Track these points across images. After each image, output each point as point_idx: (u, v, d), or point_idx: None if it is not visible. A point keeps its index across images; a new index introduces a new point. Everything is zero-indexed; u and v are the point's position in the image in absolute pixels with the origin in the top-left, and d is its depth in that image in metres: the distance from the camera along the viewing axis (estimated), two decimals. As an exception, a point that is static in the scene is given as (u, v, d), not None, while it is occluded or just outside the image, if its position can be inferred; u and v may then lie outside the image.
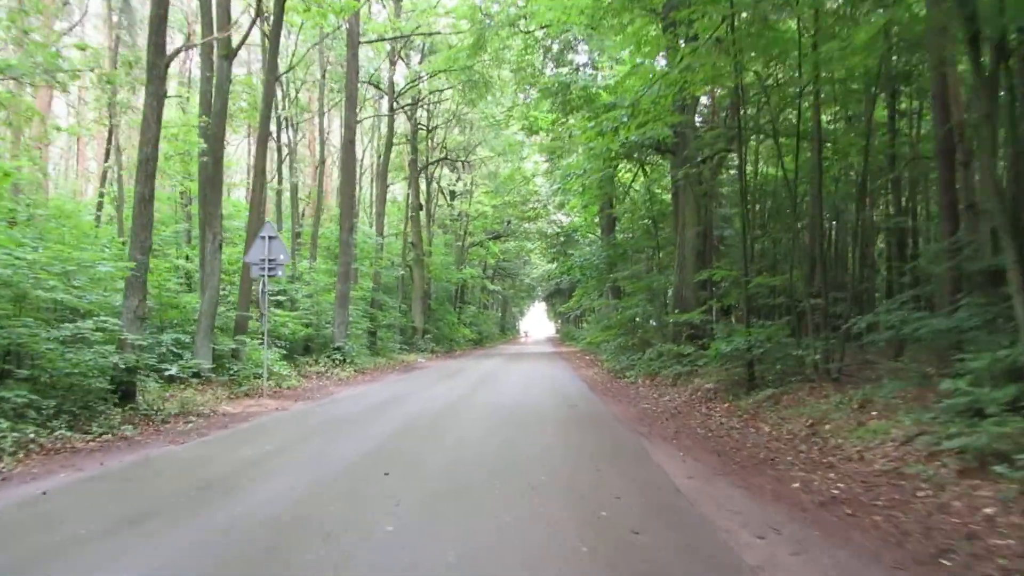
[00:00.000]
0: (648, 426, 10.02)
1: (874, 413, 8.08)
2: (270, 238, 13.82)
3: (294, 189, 29.61)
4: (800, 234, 13.42)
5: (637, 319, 23.43)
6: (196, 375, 13.94)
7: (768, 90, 12.61)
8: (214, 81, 14.73)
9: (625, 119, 11.79)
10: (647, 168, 29.84)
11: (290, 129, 25.61)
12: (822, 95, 12.46)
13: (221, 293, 19.01)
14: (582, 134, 13.21)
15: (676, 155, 19.90)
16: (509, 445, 8.16)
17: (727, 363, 12.72)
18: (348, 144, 22.34)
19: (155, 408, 10.52)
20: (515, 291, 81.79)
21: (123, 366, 10.09)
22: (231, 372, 14.59)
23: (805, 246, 13.24)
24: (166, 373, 12.23)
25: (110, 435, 8.85)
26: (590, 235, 41.71)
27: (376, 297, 28.53)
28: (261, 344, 17.72)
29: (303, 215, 31.19)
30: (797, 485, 5.94)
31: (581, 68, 23.95)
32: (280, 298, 21.36)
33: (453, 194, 48.36)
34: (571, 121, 24.76)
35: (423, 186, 40.49)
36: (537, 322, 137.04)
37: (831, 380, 10.49)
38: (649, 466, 6.96)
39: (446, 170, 49.64)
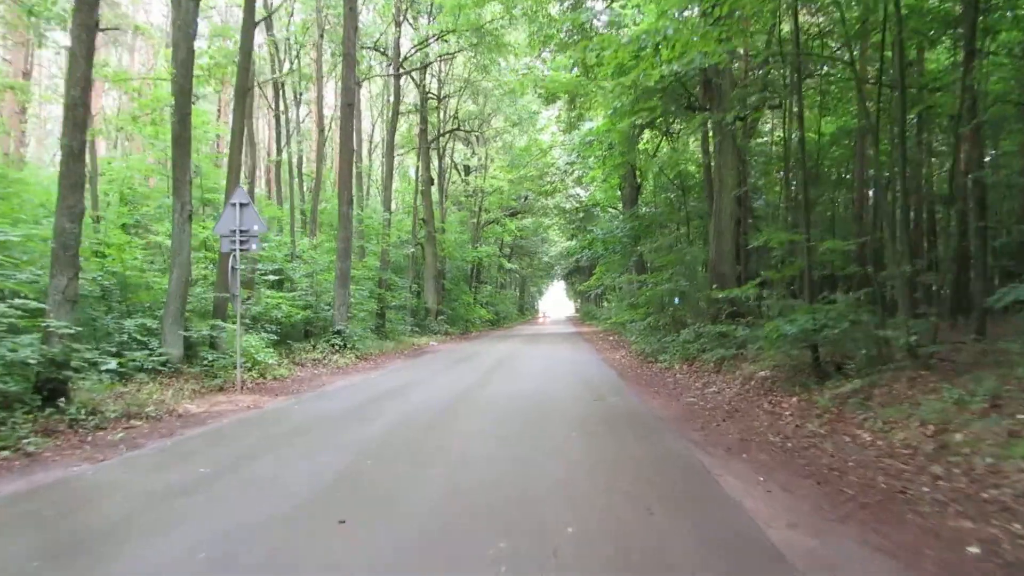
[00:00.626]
0: (701, 429, 7.85)
1: (1021, 416, 5.85)
2: (241, 205, 11.73)
3: (298, 163, 27.57)
4: (888, 189, 11.08)
5: (667, 297, 21.23)
6: (164, 366, 11.98)
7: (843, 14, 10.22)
8: (177, 24, 12.60)
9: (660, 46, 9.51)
10: (671, 137, 27.54)
11: (283, 94, 23.47)
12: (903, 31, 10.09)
13: (205, 272, 17.06)
14: (609, 63, 10.92)
15: (712, 110, 17.53)
16: (522, 467, 6.03)
17: (785, 346, 10.48)
18: (346, 108, 20.17)
19: (89, 411, 8.51)
20: (533, 270, 79.51)
21: (44, 360, 8.09)
22: (205, 362, 12.59)
23: (886, 206, 10.91)
24: (103, 368, 10.20)
25: (8, 451, 6.84)
26: (611, 209, 39.33)
27: (384, 277, 26.47)
28: (250, 330, 15.77)
29: (308, 192, 29.22)
30: (976, 550, 3.75)
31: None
32: (273, 277, 19.36)
33: (467, 169, 46.10)
34: (590, 85, 22.61)
35: (435, 160, 38.29)
36: (556, 302, 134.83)
37: (926, 367, 8.26)
38: (722, 503, 4.81)
39: (459, 144, 47.45)
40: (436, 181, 38.21)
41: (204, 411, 10.04)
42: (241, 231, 11.76)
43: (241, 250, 11.84)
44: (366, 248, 26.90)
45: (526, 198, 49.60)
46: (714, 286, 16.16)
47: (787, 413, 8.34)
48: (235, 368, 13.08)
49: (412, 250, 30.06)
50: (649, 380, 13.29)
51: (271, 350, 14.66)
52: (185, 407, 10.21)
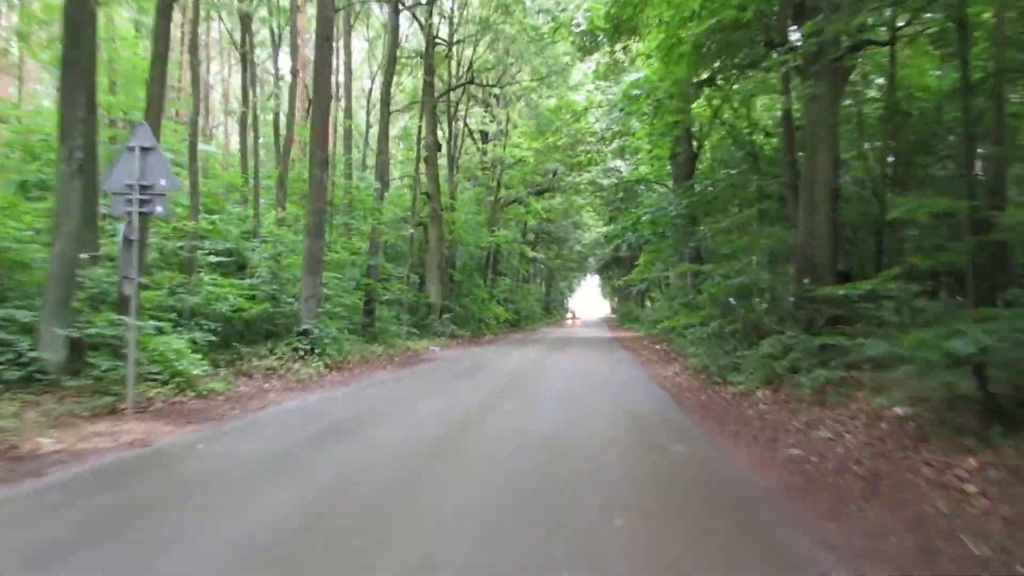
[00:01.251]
0: (832, 517, 5.34)
1: None
2: (143, 150, 9.38)
3: (274, 121, 25.33)
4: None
5: (733, 296, 18.63)
6: (36, 376, 9.73)
7: None
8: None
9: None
10: (734, 96, 24.91)
11: (251, 32, 21.19)
12: None
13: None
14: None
15: (804, 57, 14.86)
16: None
17: (939, 372, 7.90)
18: (322, 43, 17.80)
19: None
20: (562, 261, 77.05)
21: None
22: (97, 372, 10.30)
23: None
24: None
25: None
26: (659, 187, 36.69)
27: (374, 263, 24.16)
28: (177, 328, 13.49)
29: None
30: None
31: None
32: (223, 259, 17.08)
33: (485, 136, 43.65)
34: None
35: (444, 124, 35.92)
36: (588, 300, 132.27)
37: None
38: None
39: (475, 107, 45.00)
40: (445, 148, 35.83)
41: (63, 448, 7.73)
42: (142, 187, 9.41)
43: (142, 213, 9.49)
44: (353, 227, 24.58)
45: (555, 173, 47.07)
46: (805, 280, 13.60)
47: (972, 488, 5.78)
48: (146, 380, 10.82)
49: (412, 231, 27.69)
50: (721, 412, 10.78)
51: (199, 357, 12.33)
52: (38, 441, 7.91)
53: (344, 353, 18.47)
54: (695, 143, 28.43)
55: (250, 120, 21.54)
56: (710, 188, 23.06)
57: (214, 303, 14.93)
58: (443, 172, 35.51)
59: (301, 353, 16.43)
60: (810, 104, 15.56)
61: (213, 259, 16.30)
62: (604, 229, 49.91)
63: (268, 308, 17.07)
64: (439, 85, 31.42)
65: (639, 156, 40.18)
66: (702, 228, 20.33)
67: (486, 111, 43.59)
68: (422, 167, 29.88)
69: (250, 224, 19.98)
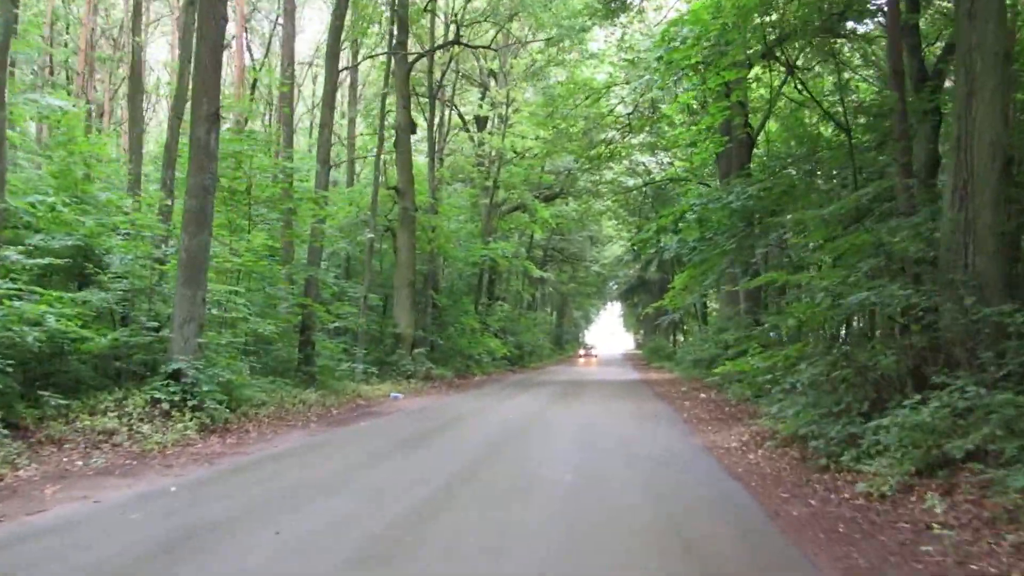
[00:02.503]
0: None
1: None
2: None
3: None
4: None
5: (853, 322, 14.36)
6: None
7: None
8: None
9: None
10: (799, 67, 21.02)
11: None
12: None
13: None
14: None
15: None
16: None
17: None
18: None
19: None
20: (577, 285, 72.68)
21: None
22: None
23: None
24: None
25: None
26: (702, 186, 32.53)
27: (312, 276, 19.99)
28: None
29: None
30: None
31: None
32: (61, 261, 12.79)
33: (481, 123, 39.59)
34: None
35: (427, 104, 31.89)
36: (608, 332, 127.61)
37: None
38: None
39: (469, 89, 41.05)
40: (426, 134, 31.71)
41: None
42: None
43: None
44: (291, 229, 20.41)
45: (568, 172, 42.95)
46: (967, 298, 9.39)
47: None
48: None
49: (371, 236, 23.47)
50: (866, 546, 6.39)
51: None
52: None
53: (243, 404, 14.21)
54: (750, 130, 24.39)
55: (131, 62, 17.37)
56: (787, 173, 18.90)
57: (13, 328, 10.67)
58: (420, 163, 31.45)
59: (166, 406, 12.14)
60: (964, 22, 11.36)
61: (31, 261, 12.00)
62: (628, 238, 45.59)
63: (120, 338, 12.82)
64: (414, 45, 27.36)
65: (674, 151, 36.25)
66: (780, 220, 15.89)
67: (482, 95, 39.61)
68: (390, 155, 25.70)
69: (121, 208, 15.76)
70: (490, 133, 38.02)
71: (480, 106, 37.86)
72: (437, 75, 31.74)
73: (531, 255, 51.79)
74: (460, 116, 40.85)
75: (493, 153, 37.82)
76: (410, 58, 26.36)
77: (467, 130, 39.24)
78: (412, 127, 26.75)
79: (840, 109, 17.10)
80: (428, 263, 31.70)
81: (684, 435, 13.31)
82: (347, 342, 23.39)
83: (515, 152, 37.05)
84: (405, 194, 26.18)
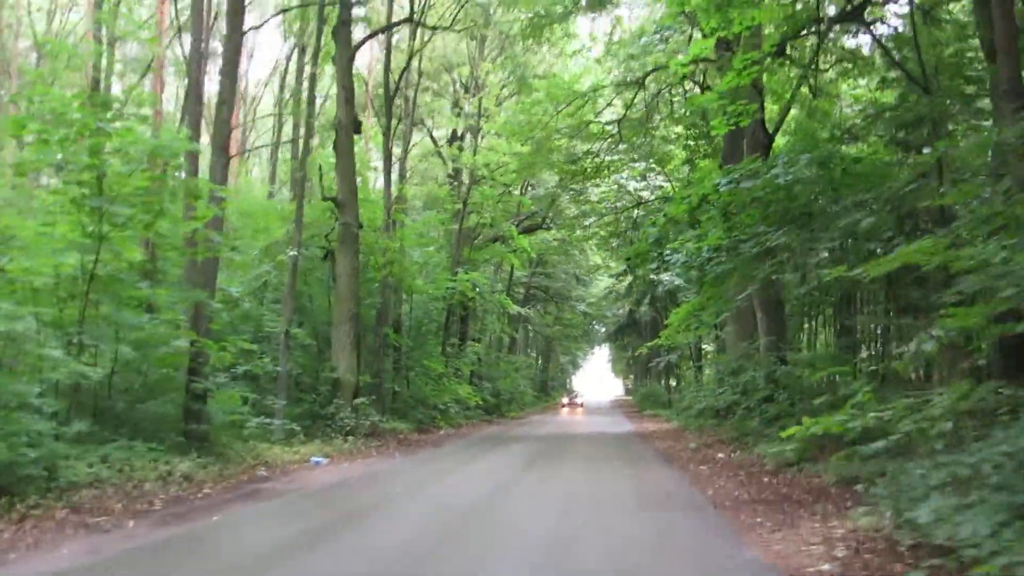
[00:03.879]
0: None
1: None
2: None
3: None
4: None
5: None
6: None
7: None
8: None
9: None
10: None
11: None
12: None
13: None
14: None
15: None
16: None
17: None
18: None
19: None
20: (563, 327, 67.55)
21: None
22: None
23: None
24: None
25: None
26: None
27: (202, 303, 14.86)
28: None
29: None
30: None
31: None
32: None
33: (455, 138, 34.72)
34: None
35: (377, 116, 27.00)
36: (596, 378, 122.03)
37: None
38: None
39: (441, 104, 36.31)
40: (386, 142, 26.71)
41: None
42: None
43: None
44: (161, 241, 15.32)
45: (552, 200, 38.15)
46: None
47: None
48: None
49: (292, 254, 18.36)
50: None
51: None
52: None
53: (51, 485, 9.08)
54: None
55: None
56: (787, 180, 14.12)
57: None
58: (365, 168, 26.53)
59: None
60: None
61: None
62: (615, 269, 40.49)
63: None
64: (357, 25, 22.58)
65: (668, 170, 31.54)
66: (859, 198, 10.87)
67: (457, 112, 34.86)
68: (330, 158, 20.69)
69: None
70: (459, 148, 33.14)
71: (451, 117, 33.07)
72: (397, 71, 26.93)
73: (511, 292, 46.81)
74: (431, 135, 36.15)
75: (464, 171, 32.93)
76: (356, 39, 21.44)
77: (436, 147, 34.40)
78: (356, 125, 21.76)
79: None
80: (383, 295, 26.66)
81: (726, 542, 8.11)
82: (251, 390, 18.15)
83: (488, 169, 32.11)
84: (346, 207, 21.14)
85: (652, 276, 36.58)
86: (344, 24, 21.52)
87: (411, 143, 32.81)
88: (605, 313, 62.58)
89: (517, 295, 49.91)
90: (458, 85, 34.59)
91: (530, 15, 25.04)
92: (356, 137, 23.05)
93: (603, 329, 73.13)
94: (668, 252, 15.42)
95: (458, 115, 33.22)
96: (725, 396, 20.24)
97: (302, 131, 20.56)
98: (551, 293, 58.03)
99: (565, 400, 60.13)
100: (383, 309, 26.27)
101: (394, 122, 28.76)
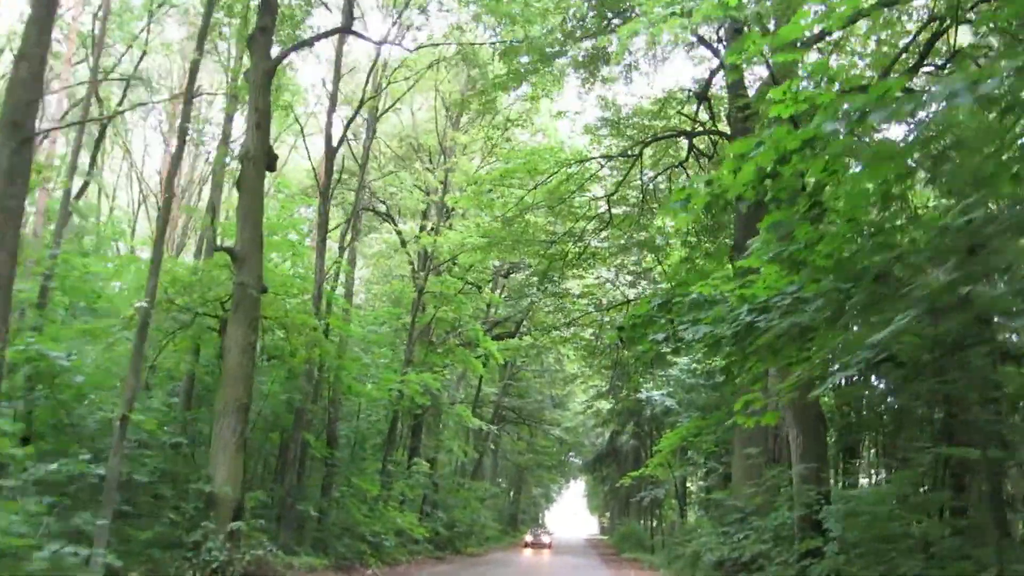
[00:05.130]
0: None
1: None
2: None
3: None
4: None
5: None
6: None
7: None
8: None
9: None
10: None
11: None
12: None
13: None
14: None
15: None
16: None
17: None
18: None
19: None
20: (536, 454, 61.10)
21: None
22: None
23: None
24: None
25: None
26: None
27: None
28: None
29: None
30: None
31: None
32: None
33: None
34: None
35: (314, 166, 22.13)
36: (571, 513, 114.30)
37: None
38: None
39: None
40: (323, 203, 21.58)
41: None
42: None
43: None
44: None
45: (531, 306, 33.00)
46: None
47: None
48: None
49: (142, 305, 12.76)
50: None
51: None
52: None
53: None
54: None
55: None
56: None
57: None
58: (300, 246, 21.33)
59: None
60: None
61: None
62: (597, 382, 34.60)
63: None
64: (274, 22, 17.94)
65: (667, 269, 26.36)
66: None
67: (417, 184, 29.98)
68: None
69: None
70: (422, 233, 28.04)
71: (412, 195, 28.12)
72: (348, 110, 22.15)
73: (477, 411, 40.93)
74: (388, 217, 31.13)
75: (421, 256, 27.79)
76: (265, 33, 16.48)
77: (396, 229, 29.27)
78: (270, 160, 16.60)
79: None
80: (310, 392, 21.12)
81: None
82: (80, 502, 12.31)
83: (449, 252, 26.92)
84: (245, 262, 15.76)
85: (641, 392, 31.11)
86: (264, 32, 16.69)
87: (362, 222, 27.83)
88: (582, 441, 56.45)
89: (485, 414, 44.01)
90: (425, 157, 29.83)
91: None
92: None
93: (579, 461, 66.78)
94: (683, 321, 9.97)
95: (424, 193, 28.36)
96: (750, 544, 14.30)
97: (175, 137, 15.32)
98: (524, 415, 52.11)
99: (529, 537, 49.48)
100: (302, 409, 20.57)
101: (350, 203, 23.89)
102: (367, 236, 39.07)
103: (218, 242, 17.04)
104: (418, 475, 27.59)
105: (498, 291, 35.42)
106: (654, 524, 44.91)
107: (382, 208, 30.46)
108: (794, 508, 13.87)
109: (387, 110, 27.79)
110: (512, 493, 71.04)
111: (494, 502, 55.89)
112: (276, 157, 17.32)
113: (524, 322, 35.05)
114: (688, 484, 41.91)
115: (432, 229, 27.27)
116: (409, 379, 24.35)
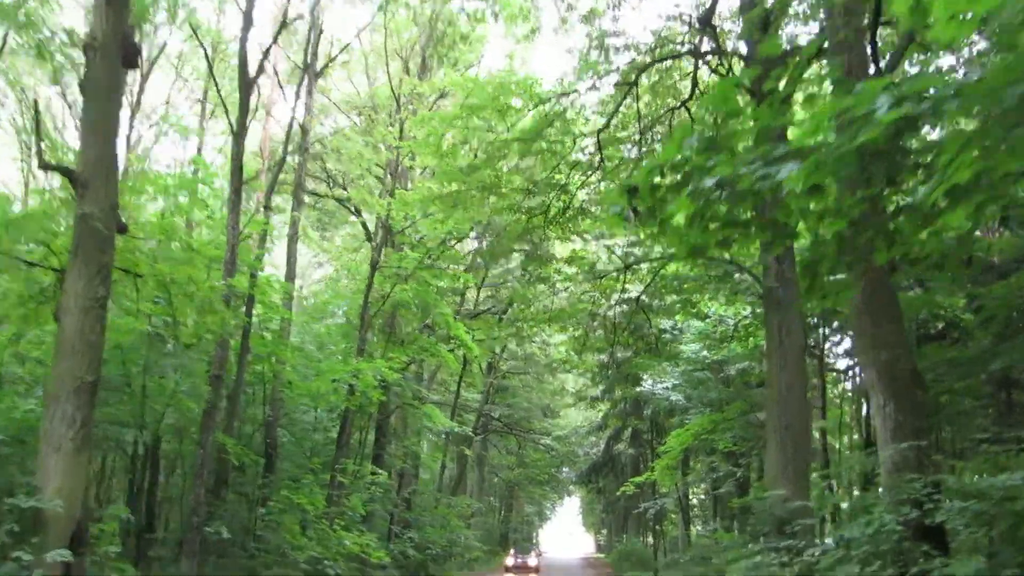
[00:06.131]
0: None
1: None
2: None
3: None
4: None
5: None
6: None
7: None
8: None
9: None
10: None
11: None
12: None
13: None
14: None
15: None
16: None
17: None
18: None
19: None
20: (525, 468, 56.23)
21: None
22: None
23: None
24: None
25: None
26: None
27: None
28: None
29: None
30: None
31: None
32: None
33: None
34: None
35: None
36: (566, 532, 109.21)
37: None
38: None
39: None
40: (243, 103, 16.90)
41: None
42: None
43: None
44: None
45: (513, 293, 28.31)
46: None
47: None
48: None
49: None
50: None
51: None
52: None
53: None
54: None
55: None
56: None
57: None
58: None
59: None
60: None
61: None
62: (589, 369, 29.58)
63: None
64: None
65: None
66: None
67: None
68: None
69: None
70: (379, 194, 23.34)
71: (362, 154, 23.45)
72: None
73: (459, 417, 36.18)
74: (333, 180, 26.46)
75: (379, 226, 23.13)
76: None
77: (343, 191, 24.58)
78: (128, 52, 11.90)
79: None
80: (232, 381, 16.55)
81: None
82: None
83: (408, 213, 22.23)
84: (90, 188, 11.06)
85: (642, 385, 26.48)
86: None
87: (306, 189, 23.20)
88: (576, 451, 51.54)
89: (467, 421, 39.19)
90: (385, 119, 25.13)
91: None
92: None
93: (573, 476, 61.88)
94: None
95: (379, 151, 23.73)
96: (829, 561, 9.43)
97: None
98: (511, 424, 47.31)
99: (510, 561, 40.44)
100: (212, 406, 15.81)
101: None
102: (335, 230, 34.57)
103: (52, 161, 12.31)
104: (376, 488, 22.69)
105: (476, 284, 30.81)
106: (654, 541, 40.08)
107: (335, 188, 25.81)
108: (886, 509, 9.20)
109: (334, 59, 23.39)
110: (503, 511, 66.14)
111: (482, 520, 50.99)
112: (138, 50, 12.65)
113: (507, 313, 30.34)
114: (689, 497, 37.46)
115: (388, 192, 22.64)
116: (360, 367, 19.58)
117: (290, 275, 22.02)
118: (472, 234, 29.42)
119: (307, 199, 25.05)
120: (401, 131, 22.65)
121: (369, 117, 26.24)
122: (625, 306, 21.22)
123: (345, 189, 25.81)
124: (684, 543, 35.70)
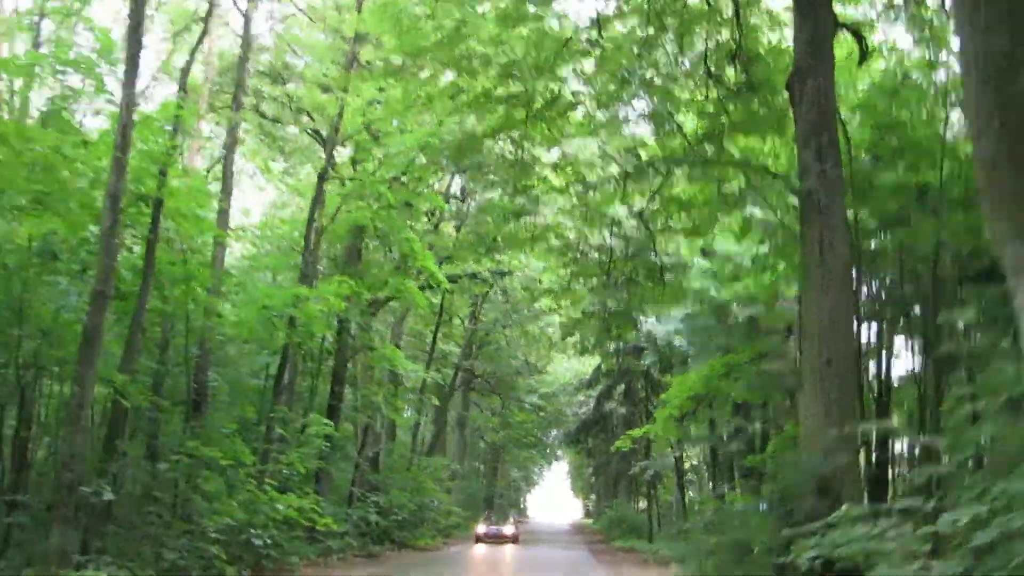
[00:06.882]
0: None
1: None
2: None
3: None
4: None
5: None
6: None
7: None
8: None
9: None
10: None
11: None
12: None
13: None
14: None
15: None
16: None
17: None
18: None
19: None
20: (512, 431, 52.88)
21: None
22: None
23: None
24: None
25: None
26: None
27: None
28: None
29: None
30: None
31: None
32: None
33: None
34: None
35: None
36: (552, 498, 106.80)
37: None
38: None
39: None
40: None
41: None
42: None
43: None
44: None
45: (496, 227, 24.45)
46: None
47: None
48: None
49: None
50: None
51: None
52: None
53: None
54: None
55: None
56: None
57: None
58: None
59: None
60: None
61: None
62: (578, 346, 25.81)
63: None
64: None
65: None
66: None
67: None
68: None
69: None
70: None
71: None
72: None
73: (436, 370, 32.62)
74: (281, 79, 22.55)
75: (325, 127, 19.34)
76: None
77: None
78: None
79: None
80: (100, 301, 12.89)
81: None
82: None
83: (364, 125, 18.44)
84: None
85: (641, 326, 22.89)
86: None
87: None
88: (564, 411, 48.31)
89: (445, 376, 35.64)
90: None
91: None
92: None
93: (561, 437, 58.81)
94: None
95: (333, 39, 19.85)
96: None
97: None
98: (494, 382, 43.84)
99: (482, 528, 35.12)
100: (95, 329, 12.09)
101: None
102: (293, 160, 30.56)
103: None
104: (326, 443, 18.93)
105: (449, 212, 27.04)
106: (648, 506, 36.72)
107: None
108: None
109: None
110: (486, 476, 62.96)
111: (464, 485, 47.57)
112: None
113: (488, 250, 26.56)
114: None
115: (340, 89, 18.73)
116: (300, 292, 15.85)
117: (226, 188, 18.26)
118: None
119: (251, 102, 21.08)
120: (360, 10, 18.73)
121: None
122: (624, 224, 17.58)
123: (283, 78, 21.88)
124: (679, 509, 32.46)
